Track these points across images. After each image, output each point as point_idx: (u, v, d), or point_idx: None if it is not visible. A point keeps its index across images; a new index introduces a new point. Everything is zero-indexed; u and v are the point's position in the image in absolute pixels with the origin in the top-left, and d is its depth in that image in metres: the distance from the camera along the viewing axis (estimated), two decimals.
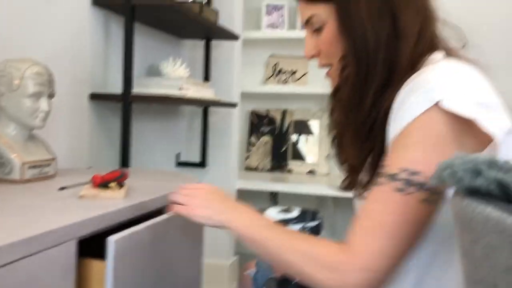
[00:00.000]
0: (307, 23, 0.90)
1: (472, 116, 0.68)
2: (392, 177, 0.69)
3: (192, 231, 1.07)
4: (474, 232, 0.42)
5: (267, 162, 2.77)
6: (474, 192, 0.44)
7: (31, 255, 0.66)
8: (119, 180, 1.05)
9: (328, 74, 0.91)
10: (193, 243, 1.10)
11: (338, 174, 0.95)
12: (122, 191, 0.98)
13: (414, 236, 0.70)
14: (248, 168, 2.78)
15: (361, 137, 0.82)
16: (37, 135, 1.22)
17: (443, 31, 0.86)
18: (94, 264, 0.81)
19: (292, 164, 2.75)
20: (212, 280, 2.17)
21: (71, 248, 0.75)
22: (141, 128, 1.96)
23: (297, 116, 2.79)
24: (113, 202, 0.92)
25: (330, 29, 0.85)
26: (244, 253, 2.77)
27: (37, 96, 1.12)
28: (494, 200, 0.41)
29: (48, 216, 0.79)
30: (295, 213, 1.01)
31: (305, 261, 0.73)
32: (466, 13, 2.03)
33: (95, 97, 1.64)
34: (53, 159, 1.20)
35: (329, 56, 0.88)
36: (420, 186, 0.68)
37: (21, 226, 0.72)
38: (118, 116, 1.66)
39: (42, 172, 1.16)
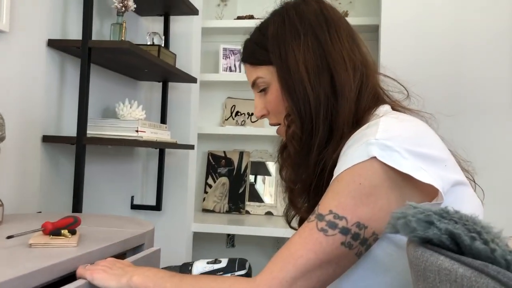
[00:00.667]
0: (253, 85, 0.94)
1: (406, 170, 0.70)
2: (320, 216, 0.72)
3: None
4: (428, 281, 0.43)
5: (224, 204, 2.75)
6: (427, 241, 0.46)
7: None
8: (71, 227, 1.01)
9: (277, 131, 0.94)
10: None
11: (296, 216, 0.97)
12: (74, 239, 0.95)
13: (326, 276, 0.72)
14: (205, 210, 2.75)
15: (310, 192, 0.85)
16: None
17: (385, 85, 0.91)
18: None
19: (250, 206, 2.74)
20: None
21: None
22: (94, 171, 1.91)
23: (255, 158, 2.81)
24: (65, 251, 0.89)
25: (274, 90, 0.89)
26: None
27: None
28: (446, 249, 0.43)
29: None
30: (223, 263, 1.01)
31: None
32: (406, 67, 2.16)
33: (48, 139, 1.60)
34: (1, 205, 1.15)
35: (276, 115, 0.92)
36: (342, 231, 0.70)
37: None
38: (71, 158, 1.62)
39: None
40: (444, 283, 0.41)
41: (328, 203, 0.73)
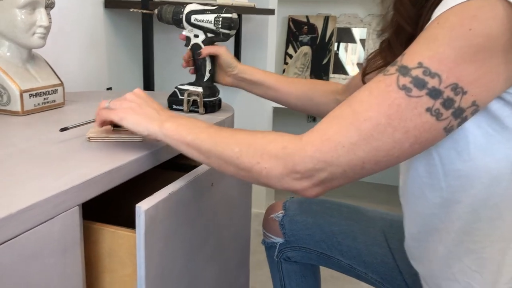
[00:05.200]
0: None
1: None
2: (403, 69, 0.52)
3: (239, 181, 0.88)
4: None
5: (306, 76, 2.51)
6: None
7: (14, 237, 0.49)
8: None
9: None
10: (241, 192, 0.91)
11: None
12: None
13: (399, 150, 0.53)
14: None
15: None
16: (38, 55, 1.01)
17: None
18: (106, 233, 0.64)
19: (334, 78, 2.48)
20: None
21: (74, 216, 0.57)
22: (166, 39, 1.72)
23: (341, 23, 2.47)
24: (129, 147, 0.73)
25: None
26: None
27: (31, 6, 0.89)
28: None
29: (41, 174, 0.61)
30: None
31: (244, 152, 0.59)
32: None
33: (111, 4, 1.40)
34: (60, 84, 1.00)
35: None
36: (431, 92, 0.51)
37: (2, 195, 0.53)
38: (139, 26, 1.42)
39: (47, 101, 0.97)
40: None
41: (419, 52, 0.52)
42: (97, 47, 1.39)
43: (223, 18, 0.94)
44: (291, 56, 2.53)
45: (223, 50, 0.98)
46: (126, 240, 0.62)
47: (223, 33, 0.95)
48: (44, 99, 0.96)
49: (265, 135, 0.59)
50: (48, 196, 0.52)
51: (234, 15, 0.95)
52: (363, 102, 0.54)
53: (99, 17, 1.38)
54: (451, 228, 0.61)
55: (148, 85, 1.37)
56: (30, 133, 0.79)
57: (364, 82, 0.73)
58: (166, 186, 0.65)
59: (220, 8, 0.95)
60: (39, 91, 0.94)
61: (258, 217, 2.19)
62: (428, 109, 0.51)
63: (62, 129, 0.73)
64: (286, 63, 2.54)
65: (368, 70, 0.72)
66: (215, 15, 0.95)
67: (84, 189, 0.58)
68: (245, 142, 0.59)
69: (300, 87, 0.98)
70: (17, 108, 0.91)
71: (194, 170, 0.73)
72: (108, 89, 1.41)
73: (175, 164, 0.88)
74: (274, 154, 0.56)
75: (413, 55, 0.53)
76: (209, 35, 0.96)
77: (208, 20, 0.95)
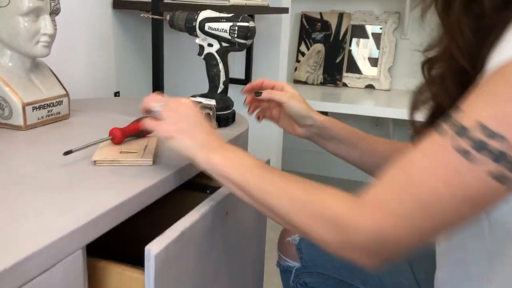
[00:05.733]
0: None
1: None
2: (461, 129, 0.46)
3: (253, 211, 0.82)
4: None
5: (318, 74, 2.44)
6: None
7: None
8: (145, 133, 0.79)
9: None
10: (256, 218, 0.86)
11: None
12: (149, 153, 0.73)
13: (459, 216, 0.48)
14: (297, 81, 2.46)
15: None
16: (43, 62, 0.95)
17: None
18: (112, 271, 0.58)
19: (348, 77, 2.41)
20: None
21: (77, 261, 0.52)
22: (176, 41, 1.66)
23: (356, 21, 2.39)
24: (138, 173, 0.67)
25: None
26: None
27: (35, 13, 0.83)
28: None
29: (42, 210, 0.56)
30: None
31: (295, 210, 0.54)
32: None
33: (119, 5, 1.34)
34: (65, 95, 0.94)
35: None
36: (494, 155, 0.45)
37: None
38: (149, 28, 1.36)
39: (51, 113, 0.91)
40: None
41: (477, 109, 0.46)
42: (105, 49, 1.33)
43: (239, 27, 0.88)
44: (303, 54, 2.46)
45: (289, 98, 0.84)
46: (134, 283, 0.57)
47: (239, 43, 0.89)
48: (48, 111, 0.90)
49: (319, 194, 0.53)
50: (49, 243, 0.47)
51: (251, 24, 0.89)
52: (418, 168, 0.48)
53: (107, 18, 1.32)
54: (493, 279, 0.55)
55: (158, 89, 1.32)
56: (32, 153, 0.74)
57: (413, 122, 0.65)
58: (178, 222, 0.59)
59: (236, 16, 0.89)
60: (43, 103, 0.89)
61: (269, 221, 2.14)
62: (491, 173, 0.45)
63: (66, 153, 0.68)
64: (298, 61, 2.47)
65: (416, 106, 0.63)
66: (231, 23, 0.89)
67: (89, 230, 0.53)
68: (297, 199, 0.54)
69: (388, 146, 0.84)
70: (20, 122, 0.85)
71: (207, 200, 0.67)
72: (115, 94, 1.36)
73: (189, 182, 0.83)
74: (326, 220, 0.51)
75: (471, 113, 0.46)
76: (224, 44, 0.91)
77: (223, 29, 0.89)
